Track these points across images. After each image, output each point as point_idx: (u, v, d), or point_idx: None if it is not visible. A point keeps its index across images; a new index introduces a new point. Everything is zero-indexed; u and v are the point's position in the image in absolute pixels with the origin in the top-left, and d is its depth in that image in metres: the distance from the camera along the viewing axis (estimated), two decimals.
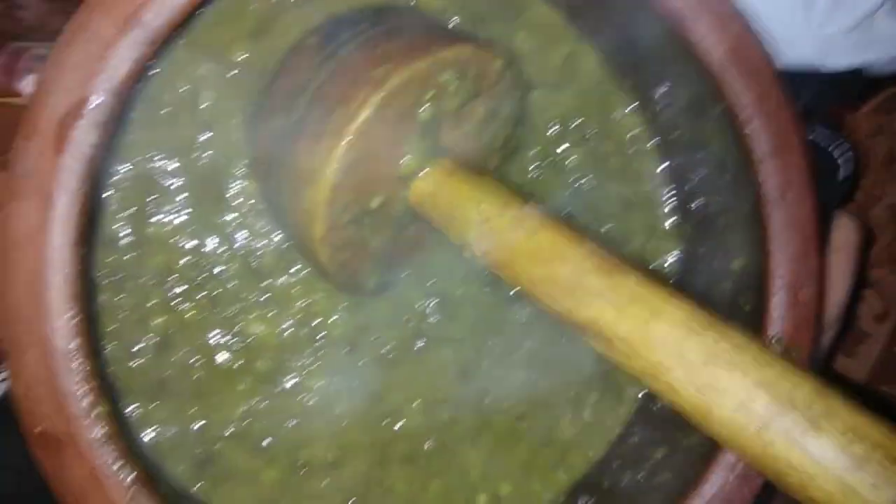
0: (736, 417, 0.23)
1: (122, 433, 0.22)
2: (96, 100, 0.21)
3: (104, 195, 0.28)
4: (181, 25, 0.22)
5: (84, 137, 0.21)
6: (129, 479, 0.22)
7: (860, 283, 0.40)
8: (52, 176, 0.20)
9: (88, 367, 0.21)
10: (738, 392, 0.24)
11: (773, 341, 0.28)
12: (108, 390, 0.22)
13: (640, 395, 0.37)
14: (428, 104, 0.30)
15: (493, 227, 0.29)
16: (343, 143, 0.28)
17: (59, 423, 0.21)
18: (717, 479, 0.27)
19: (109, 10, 0.20)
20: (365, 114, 0.28)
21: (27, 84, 0.37)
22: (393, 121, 0.29)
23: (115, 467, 0.22)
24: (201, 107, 0.31)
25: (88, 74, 0.21)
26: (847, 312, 0.35)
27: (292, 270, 0.33)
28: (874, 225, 0.60)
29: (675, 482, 0.29)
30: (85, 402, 0.21)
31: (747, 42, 0.27)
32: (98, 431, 0.21)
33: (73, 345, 0.21)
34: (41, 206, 0.20)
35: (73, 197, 0.21)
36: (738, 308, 0.31)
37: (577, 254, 0.27)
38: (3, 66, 0.32)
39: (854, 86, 0.36)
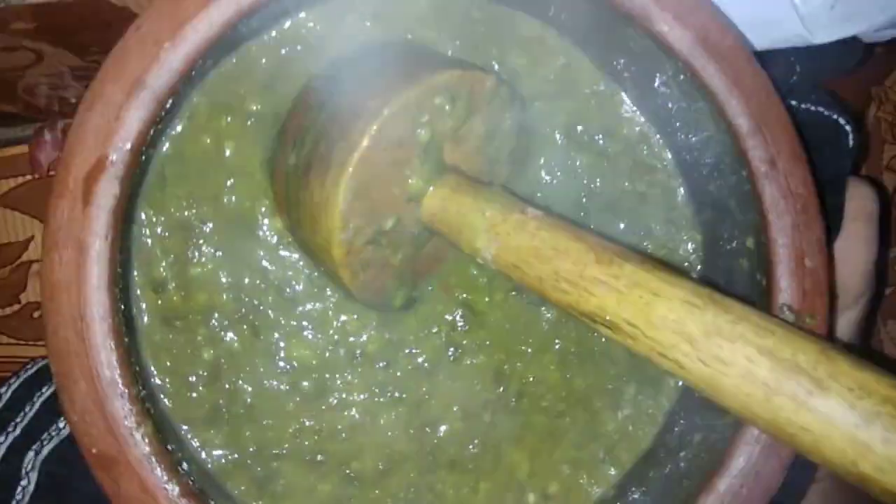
0: (742, 386, 0.24)
1: (168, 451, 0.25)
2: (114, 157, 0.24)
3: (147, 241, 0.31)
4: (185, 84, 0.25)
5: (107, 190, 0.24)
6: (175, 493, 0.24)
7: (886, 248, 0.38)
8: (83, 225, 0.24)
9: (131, 393, 0.24)
10: (742, 361, 0.24)
11: (785, 310, 0.28)
12: (151, 413, 0.25)
13: (679, 384, 0.37)
14: (425, 128, 0.32)
15: (498, 232, 0.30)
16: (347, 172, 0.30)
17: (111, 444, 0.24)
18: (743, 454, 0.27)
19: (118, 78, 0.24)
20: (364, 144, 0.30)
21: None
22: (393, 147, 0.31)
23: (162, 481, 0.24)
24: (225, 155, 0.34)
25: (105, 135, 0.24)
26: (878, 281, 0.34)
27: (323, 295, 0.35)
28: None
29: (709, 462, 0.29)
30: (130, 423, 0.24)
31: (714, 28, 0.27)
32: (144, 448, 0.24)
33: (116, 374, 0.24)
34: (76, 252, 0.24)
35: (104, 242, 0.24)
36: (756, 284, 0.31)
37: (577, 248, 0.28)
38: (54, 142, 0.37)
39: (848, 55, 0.36)
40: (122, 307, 0.25)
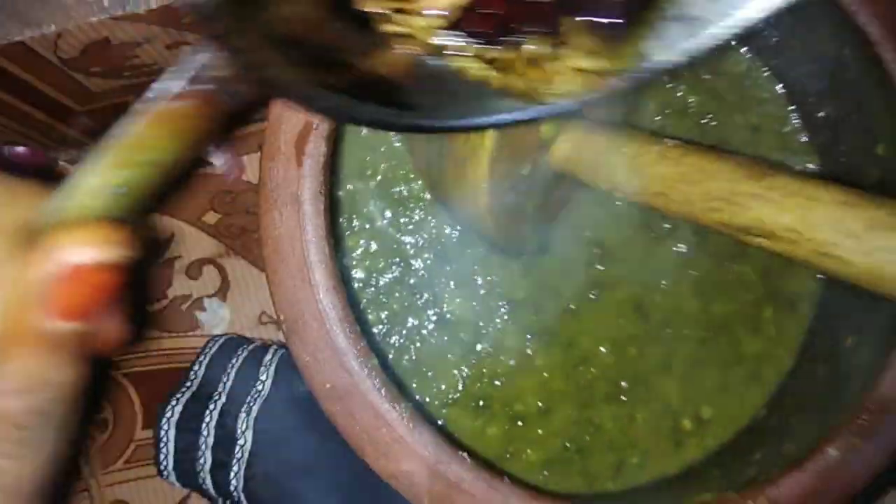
0: None
1: (392, 380, 0.27)
2: (319, 118, 0.27)
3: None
4: None
5: (317, 149, 0.27)
6: (406, 416, 0.26)
7: None
8: (298, 183, 0.26)
9: (356, 330, 0.27)
10: None
11: None
12: (374, 348, 0.27)
13: (815, 301, 0.39)
14: None
15: (641, 164, 0.32)
16: None
17: (344, 377, 0.26)
18: None
19: None
20: None
21: None
22: None
23: (391, 407, 0.26)
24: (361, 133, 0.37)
25: None
26: None
27: (468, 251, 0.38)
28: None
29: (872, 358, 0.31)
30: (360, 357, 0.26)
31: None
32: (375, 379, 0.26)
33: (342, 313, 0.26)
34: (294, 208, 0.26)
35: (319, 196, 0.26)
36: (889, 190, 0.33)
37: (725, 168, 0.30)
38: None
39: None
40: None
